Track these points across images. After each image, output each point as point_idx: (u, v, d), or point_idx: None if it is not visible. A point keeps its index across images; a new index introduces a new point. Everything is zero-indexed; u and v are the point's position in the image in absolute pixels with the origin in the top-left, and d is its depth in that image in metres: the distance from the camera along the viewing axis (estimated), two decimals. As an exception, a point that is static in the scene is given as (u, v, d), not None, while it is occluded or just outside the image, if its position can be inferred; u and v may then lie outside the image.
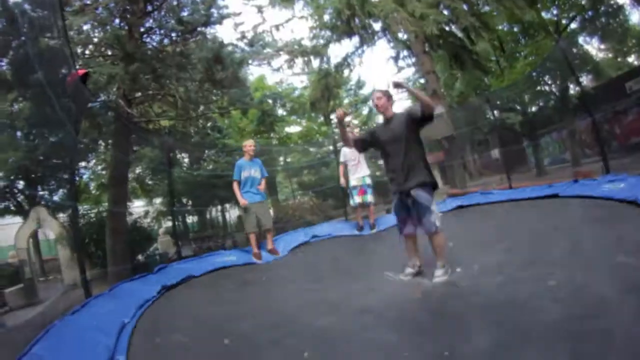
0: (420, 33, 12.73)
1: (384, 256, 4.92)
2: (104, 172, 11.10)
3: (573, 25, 10.66)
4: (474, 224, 5.80)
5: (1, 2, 5.40)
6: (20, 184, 11.52)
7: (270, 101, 18.67)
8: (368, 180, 6.66)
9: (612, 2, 9.94)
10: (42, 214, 9.77)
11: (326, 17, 14.02)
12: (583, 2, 11.36)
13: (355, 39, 14.76)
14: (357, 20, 13.63)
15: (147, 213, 12.79)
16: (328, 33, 14.47)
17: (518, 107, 14.14)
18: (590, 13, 10.43)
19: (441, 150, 17.82)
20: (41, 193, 11.64)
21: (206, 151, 15.34)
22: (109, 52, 8.39)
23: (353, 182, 6.66)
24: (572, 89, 11.97)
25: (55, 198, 11.77)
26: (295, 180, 18.71)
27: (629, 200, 4.00)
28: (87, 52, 8.51)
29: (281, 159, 18.72)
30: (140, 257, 10.10)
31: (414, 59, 16.23)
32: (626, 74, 12.25)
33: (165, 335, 2.93)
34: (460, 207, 7.06)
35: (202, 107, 11.76)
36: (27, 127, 9.47)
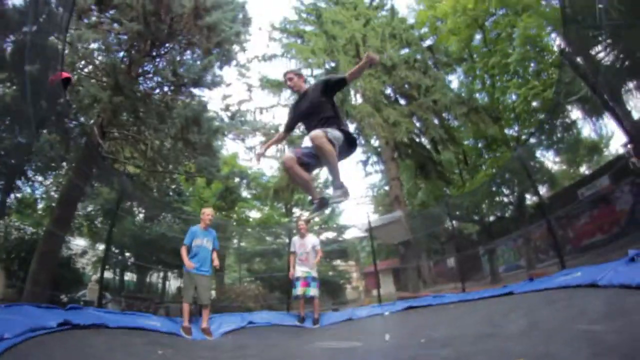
0: (391, 140, 13.78)
1: (322, 350, 4.37)
2: (56, 196, 10.30)
3: (532, 140, 11.96)
4: (423, 321, 5.55)
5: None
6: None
7: (237, 179, 18.79)
8: (313, 274, 6.69)
9: (565, 118, 11.35)
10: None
11: (308, 110, 15.07)
12: (540, 118, 12.75)
13: (330, 137, 15.73)
14: (334, 119, 14.72)
15: (84, 253, 11.72)
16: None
17: (476, 217, 14.83)
18: (546, 127, 11.77)
19: (396, 257, 18.06)
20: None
21: (163, 214, 14.83)
22: (104, 79, 8.49)
23: (298, 273, 6.65)
24: (529, 198, 12.80)
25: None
26: (245, 266, 17.96)
27: (586, 284, 4.03)
28: (85, 69, 8.60)
29: (235, 241, 18.20)
30: (63, 296, 8.94)
31: (382, 166, 17.28)
32: (578, 182, 13.43)
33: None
34: (410, 307, 6.87)
35: (170, 166, 11.68)
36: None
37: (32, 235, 9.71)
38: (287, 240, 13.98)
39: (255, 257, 17.40)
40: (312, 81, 15.84)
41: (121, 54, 8.96)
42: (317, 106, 3.32)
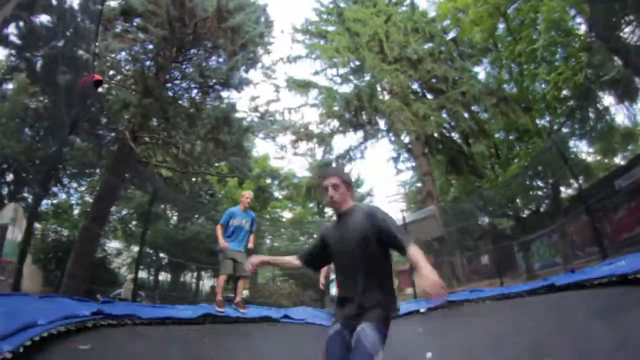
0: (422, 134, 13.55)
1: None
2: (90, 200, 10.80)
3: (564, 130, 11.41)
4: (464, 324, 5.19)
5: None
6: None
7: (268, 179, 19.03)
8: None
9: (598, 104, 10.77)
10: (19, 211, 9.28)
11: (336, 107, 15.02)
12: (572, 105, 12.16)
13: (360, 134, 15.67)
14: (363, 115, 14.58)
15: (119, 254, 12.25)
16: (335, 123, 15.42)
17: (510, 213, 14.29)
18: (578, 115, 11.22)
19: (430, 254, 17.62)
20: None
21: (196, 215, 15.26)
22: (132, 87, 8.83)
23: (333, 275, 6.00)
24: (564, 191, 12.19)
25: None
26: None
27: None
28: (114, 79, 8.99)
29: (268, 240, 18.43)
30: (99, 295, 9.36)
31: (413, 163, 17.01)
32: (614, 173, 12.65)
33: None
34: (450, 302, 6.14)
35: (202, 167, 11.97)
36: (34, 122, 9.31)
37: (68, 237, 10.21)
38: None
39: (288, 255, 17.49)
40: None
41: (148, 62, 9.31)
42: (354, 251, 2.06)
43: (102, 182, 8.90)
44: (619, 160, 16.63)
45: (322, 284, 6.09)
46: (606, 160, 17.00)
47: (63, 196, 10.67)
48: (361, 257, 2.03)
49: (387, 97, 15.25)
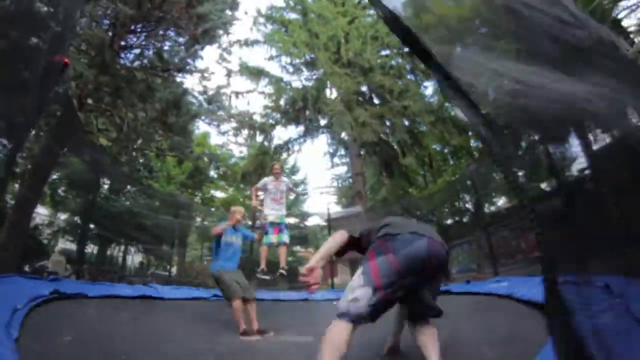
0: (359, 138, 14.44)
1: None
2: (21, 161, 9.98)
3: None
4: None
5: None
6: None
7: (206, 159, 18.86)
8: (285, 220, 6.08)
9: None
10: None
11: (282, 101, 15.38)
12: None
13: (301, 128, 16.26)
14: (307, 112, 15.15)
15: (51, 223, 11.61)
16: (279, 116, 15.77)
17: (434, 219, 15.83)
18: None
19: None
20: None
21: (128, 186, 14.78)
22: (85, 51, 8.42)
23: (271, 217, 5.81)
24: (486, 208, 13.83)
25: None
26: (207, 244, 18.22)
27: (505, 295, 4.61)
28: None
29: (198, 219, 18.34)
30: (26, 267, 8.98)
31: (348, 159, 18.01)
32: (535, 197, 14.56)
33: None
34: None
35: (141, 141, 11.70)
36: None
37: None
38: (249, 223, 14.44)
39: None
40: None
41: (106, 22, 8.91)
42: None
43: (41, 147, 8.43)
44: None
45: (254, 204, 6.14)
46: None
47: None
48: None
49: (334, 94, 15.92)
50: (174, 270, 13.80)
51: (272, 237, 5.75)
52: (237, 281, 4.60)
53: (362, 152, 16.37)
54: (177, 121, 10.11)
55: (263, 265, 5.73)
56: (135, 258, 16.11)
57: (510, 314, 3.86)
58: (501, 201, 16.32)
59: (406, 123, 15.46)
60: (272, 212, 5.87)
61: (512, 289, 4.63)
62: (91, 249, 15.16)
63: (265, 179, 6.14)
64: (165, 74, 9.46)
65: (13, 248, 7.12)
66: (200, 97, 12.04)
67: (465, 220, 16.55)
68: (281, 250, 5.83)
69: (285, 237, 5.83)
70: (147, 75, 9.05)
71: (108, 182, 14.04)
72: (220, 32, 11.49)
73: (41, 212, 11.54)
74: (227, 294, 4.48)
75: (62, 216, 13.14)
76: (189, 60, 9.58)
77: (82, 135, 9.41)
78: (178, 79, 10.28)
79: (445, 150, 18.19)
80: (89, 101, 9.50)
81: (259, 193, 6.20)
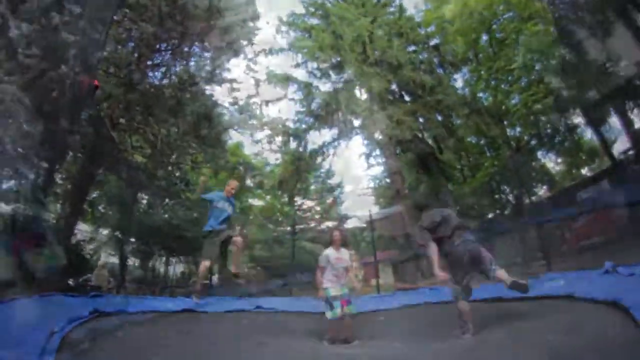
0: (394, 137, 14.05)
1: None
2: (61, 182, 10.37)
3: (533, 142, 12.27)
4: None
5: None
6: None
7: (242, 169, 19.00)
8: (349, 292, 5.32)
9: (568, 122, 11.64)
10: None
11: (314, 105, 15.24)
12: (543, 120, 13.00)
13: (334, 131, 15.99)
14: (339, 114, 14.91)
15: (92, 239, 12.04)
16: (311, 120, 15.64)
17: (474, 214, 15.18)
18: (548, 131, 12.08)
19: (396, 249, 18.46)
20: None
21: (166, 199, 15.11)
22: (114, 73, 8.64)
23: (333, 291, 5.10)
24: (527, 199, 13.13)
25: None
26: (247, 252, 18.32)
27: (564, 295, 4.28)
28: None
29: (238, 227, 18.44)
30: (70, 281, 9.24)
31: (384, 159, 17.58)
32: (578, 184, 13.73)
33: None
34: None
35: (175, 155, 11.88)
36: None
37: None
38: (288, 229, 14.37)
39: (257, 244, 17.67)
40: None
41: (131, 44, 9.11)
42: None
43: (79, 167, 8.72)
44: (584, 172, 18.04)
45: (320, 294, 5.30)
46: (573, 172, 18.32)
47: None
48: None
49: (364, 95, 15.65)
50: (215, 279, 13.91)
51: (339, 310, 4.95)
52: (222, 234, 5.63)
53: (397, 151, 15.91)
54: (210, 133, 10.23)
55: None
56: (177, 268, 16.45)
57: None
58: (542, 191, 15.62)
59: (440, 118, 15.01)
60: (334, 286, 5.10)
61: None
62: (133, 262, 15.67)
63: (327, 252, 5.24)
64: (193, 87, 9.53)
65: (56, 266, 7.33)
66: (231, 108, 12.14)
67: (506, 212, 15.88)
68: (348, 323, 5.04)
69: (354, 308, 5.17)
70: (176, 91, 9.16)
71: (146, 196, 14.46)
72: (244, 42, 11.57)
73: (83, 229, 11.93)
74: (202, 253, 5.63)
75: (104, 231, 13.58)
76: (217, 72, 9.61)
77: (117, 154, 9.70)
78: (207, 92, 10.37)
79: (482, 142, 17.45)
80: (121, 120, 9.78)
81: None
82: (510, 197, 14.87)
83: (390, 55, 14.41)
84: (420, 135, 16.57)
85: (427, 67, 14.88)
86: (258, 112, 14.38)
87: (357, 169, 59.92)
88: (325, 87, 16.35)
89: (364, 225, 13.26)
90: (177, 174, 15.87)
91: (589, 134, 13.52)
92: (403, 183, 16.33)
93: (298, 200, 23.92)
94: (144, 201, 15.12)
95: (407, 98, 16.12)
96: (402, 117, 13.56)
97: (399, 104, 14.80)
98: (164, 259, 16.16)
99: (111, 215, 13.46)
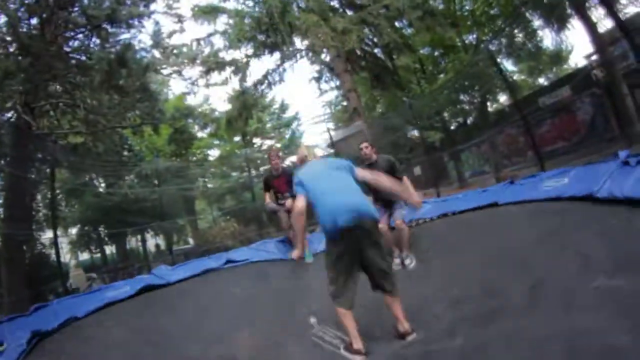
0: (342, 50, 12.95)
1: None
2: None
3: (491, 47, 11.72)
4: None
5: None
6: None
7: (181, 118, 17.73)
8: None
9: (527, 26, 11.14)
10: None
11: (246, 27, 13.63)
12: (501, 25, 12.33)
13: (276, 55, 14.64)
14: (277, 34, 13.39)
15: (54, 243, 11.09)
16: (248, 48, 14.15)
17: (438, 125, 14.93)
18: (505, 34, 11.60)
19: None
20: None
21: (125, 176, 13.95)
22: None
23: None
24: (490, 105, 12.88)
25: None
26: (216, 206, 17.64)
27: (580, 196, 3.57)
28: None
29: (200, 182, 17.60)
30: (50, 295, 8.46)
31: (337, 82, 16.54)
32: (539, 91, 13.68)
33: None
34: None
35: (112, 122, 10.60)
36: None
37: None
38: (253, 172, 13.74)
39: (224, 195, 17.03)
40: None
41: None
42: None
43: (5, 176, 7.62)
44: (543, 80, 17.78)
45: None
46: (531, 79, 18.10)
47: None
48: None
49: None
50: (191, 241, 13.41)
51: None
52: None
53: (348, 68, 14.82)
54: (131, 81, 9.02)
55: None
56: (151, 243, 15.81)
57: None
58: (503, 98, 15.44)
59: (389, 29, 13.84)
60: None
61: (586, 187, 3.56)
62: (110, 249, 14.82)
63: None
64: (96, 30, 8.03)
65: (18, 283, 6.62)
66: (153, 50, 10.76)
67: (469, 122, 15.72)
68: None
69: None
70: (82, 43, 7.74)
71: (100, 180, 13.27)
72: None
73: (47, 236, 10.90)
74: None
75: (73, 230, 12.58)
76: (121, 8, 8.06)
77: (44, 143, 8.46)
78: (120, 38, 8.92)
79: (436, 54, 16.85)
80: (43, 104, 8.38)
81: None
82: (472, 106, 14.62)
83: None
84: (370, 50, 15.54)
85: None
86: (186, 50, 12.82)
87: (309, 98, 58.03)
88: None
89: (328, 150, 12.62)
90: (125, 146, 14.56)
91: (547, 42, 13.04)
92: (359, 100, 15.53)
93: (257, 141, 23.15)
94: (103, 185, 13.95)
95: (349, 12, 14.71)
96: (348, 25, 12.34)
97: (342, 15, 13.50)
98: (138, 237, 15.34)
99: (69, 211, 12.43)
